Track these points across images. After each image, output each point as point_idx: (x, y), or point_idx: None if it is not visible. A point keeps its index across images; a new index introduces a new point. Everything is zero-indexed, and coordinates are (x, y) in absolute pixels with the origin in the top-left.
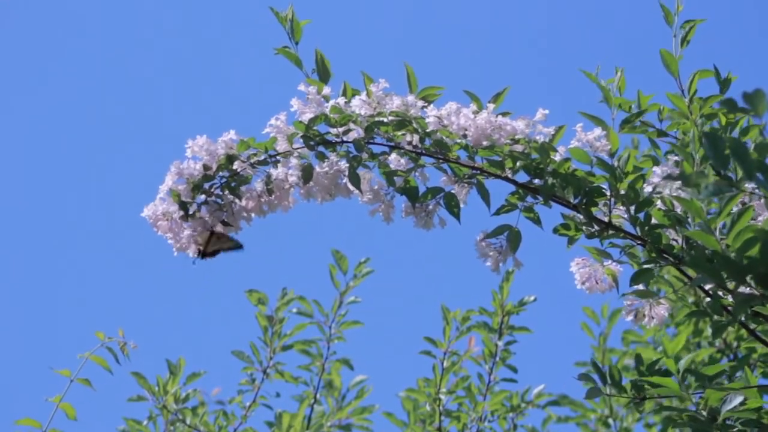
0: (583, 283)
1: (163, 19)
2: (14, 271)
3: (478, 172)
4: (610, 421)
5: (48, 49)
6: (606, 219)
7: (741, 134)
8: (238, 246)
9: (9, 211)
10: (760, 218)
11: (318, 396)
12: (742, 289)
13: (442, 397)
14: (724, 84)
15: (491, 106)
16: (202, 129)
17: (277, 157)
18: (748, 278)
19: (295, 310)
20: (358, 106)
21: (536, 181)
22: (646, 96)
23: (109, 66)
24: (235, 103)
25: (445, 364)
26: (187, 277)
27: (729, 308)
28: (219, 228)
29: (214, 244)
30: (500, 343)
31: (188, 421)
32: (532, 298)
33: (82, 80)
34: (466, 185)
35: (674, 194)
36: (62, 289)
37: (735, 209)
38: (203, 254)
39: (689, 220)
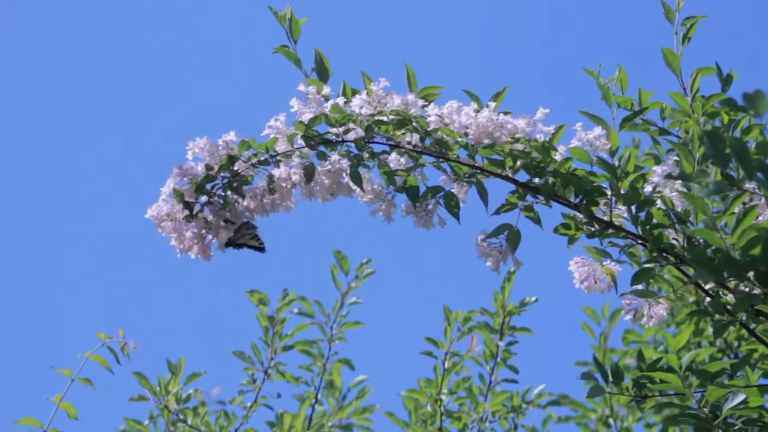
0: (581, 282)
1: (160, 20)
2: (15, 270)
3: (478, 171)
4: (611, 421)
5: (46, 51)
6: (607, 218)
7: (743, 134)
8: (261, 248)
9: (9, 211)
10: (761, 218)
11: (319, 396)
12: (742, 287)
13: (443, 397)
14: (726, 81)
15: (492, 104)
16: (202, 130)
17: (279, 157)
18: (749, 276)
19: (296, 310)
20: (359, 105)
21: (536, 180)
22: (647, 93)
23: (108, 67)
24: (235, 103)
25: (446, 364)
26: (187, 277)
27: (729, 307)
28: (253, 221)
29: (242, 236)
30: (501, 344)
31: (189, 422)
32: (533, 298)
33: (82, 81)
34: (465, 184)
35: (676, 192)
36: (62, 289)
37: (738, 208)
38: (230, 242)
39: (691, 219)
